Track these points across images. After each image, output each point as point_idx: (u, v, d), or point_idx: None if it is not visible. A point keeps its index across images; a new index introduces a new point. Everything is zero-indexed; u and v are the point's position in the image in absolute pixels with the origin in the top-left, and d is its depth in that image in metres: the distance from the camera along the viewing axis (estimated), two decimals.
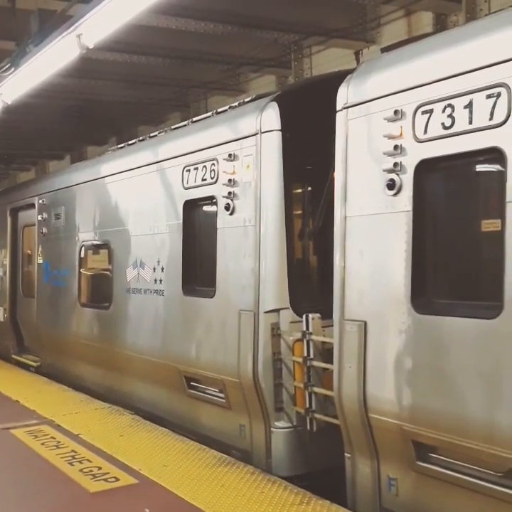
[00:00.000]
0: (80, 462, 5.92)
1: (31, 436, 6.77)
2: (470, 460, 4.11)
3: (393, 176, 4.53)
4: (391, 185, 4.54)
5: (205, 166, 6.75)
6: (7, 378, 10.18)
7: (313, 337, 5.55)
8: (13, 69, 7.49)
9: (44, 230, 10.91)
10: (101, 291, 9.10)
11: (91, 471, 5.69)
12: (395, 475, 4.69)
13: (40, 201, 11.12)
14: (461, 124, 4.10)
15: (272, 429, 5.95)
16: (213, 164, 6.61)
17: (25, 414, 7.77)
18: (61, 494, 5.32)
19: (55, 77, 7.84)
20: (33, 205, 11.45)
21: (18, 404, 8.33)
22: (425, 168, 4.38)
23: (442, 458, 4.33)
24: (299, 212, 6.34)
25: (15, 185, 17.84)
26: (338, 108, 5.08)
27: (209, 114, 7.39)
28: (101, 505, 5.08)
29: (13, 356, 12.24)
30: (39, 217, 11.05)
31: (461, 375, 4.11)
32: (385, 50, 5.36)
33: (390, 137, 4.54)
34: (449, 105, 4.17)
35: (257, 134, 6.06)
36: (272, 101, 6.09)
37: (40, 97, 10.27)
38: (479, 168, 4.29)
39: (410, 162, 4.44)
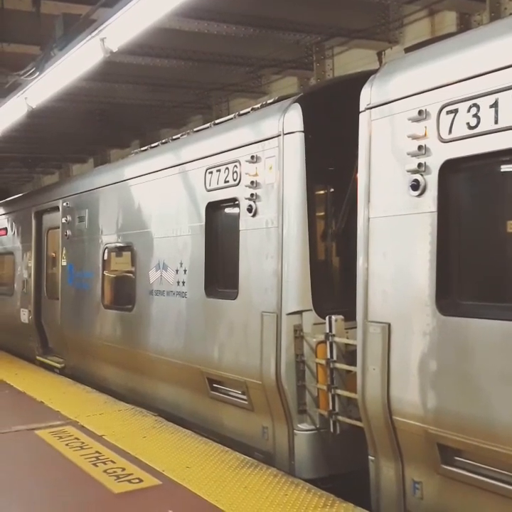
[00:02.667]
0: (104, 463, 5.95)
1: (56, 437, 6.83)
2: (496, 463, 4.06)
3: (417, 176, 4.49)
4: (415, 185, 4.50)
5: (227, 168, 6.76)
6: (32, 379, 10.28)
7: (337, 339, 5.53)
8: (37, 73, 7.56)
9: (68, 232, 11.00)
10: (124, 293, 9.16)
11: (115, 472, 5.72)
12: (420, 478, 4.65)
13: (64, 204, 11.22)
14: (487, 123, 4.05)
15: (294, 431, 5.93)
16: (236, 166, 6.61)
17: (49, 415, 7.84)
18: (85, 495, 5.35)
19: (78, 81, 7.90)
20: (57, 208, 11.55)
21: (42, 405, 8.40)
22: (450, 169, 4.34)
23: (468, 461, 4.28)
24: (322, 213, 6.32)
25: (39, 188, 18.04)
26: (361, 109, 5.05)
27: (231, 116, 7.40)
28: (125, 506, 5.11)
29: (38, 358, 12.36)
30: (63, 220, 11.15)
31: (487, 377, 4.06)
32: (409, 50, 5.32)
33: (414, 137, 4.50)
34: (474, 105, 4.13)
35: (279, 135, 6.05)
36: (294, 102, 6.08)
37: (64, 100, 10.38)
38: (505, 168, 4.23)
39: (435, 162, 4.40)
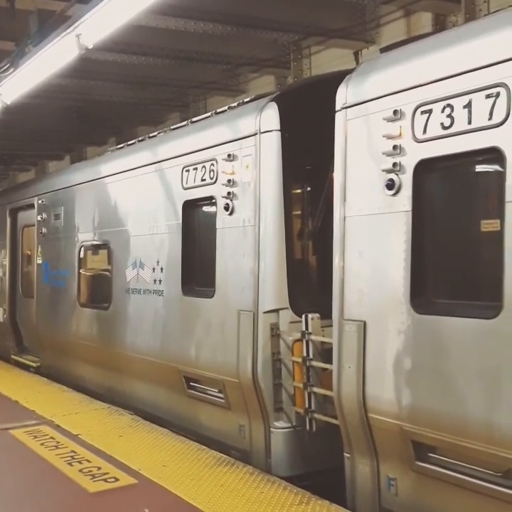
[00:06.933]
0: (80, 462, 5.92)
1: (31, 437, 6.77)
2: (469, 460, 4.11)
3: (392, 175, 4.53)
4: (390, 185, 4.54)
5: (204, 167, 6.75)
6: (7, 379, 10.18)
7: (313, 337, 5.55)
8: (12, 69, 7.49)
9: (43, 230, 10.91)
10: (100, 291, 9.10)
11: (90, 471, 5.69)
12: (395, 475, 4.69)
13: (40, 201, 11.12)
14: (461, 124, 4.10)
15: (271, 429, 5.95)
16: (212, 164, 6.61)
17: (24, 414, 7.76)
18: (60, 494, 5.32)
19: (54, 78, 7.84)
20: (32, 206, 11.45)
21: (17, 404, 8.32)
22: (424, 168, 4.38)
23: (442, 458, 4.33)
24: (299, 212, 6.35)
25: (14, 185, 17.84)
26: (337, 108, 5.08)
27: (208, 114, 7.40)
28: (100, 506, 5.09)
29: (13, 357, 12.23)
30: (38, 218, 11.06)
31: (461, 375, 4.11)
32: (384, 50, 5.35)
33: (389, 137, 4.54)
34: (448, 105, 4.17)
35: (256, 134, 6.06)
36: (271, 101, 6.10)
37: (40, 97, 10.27)
38: (478, 168, 4.29)
39: (409, 162, 4.44)
